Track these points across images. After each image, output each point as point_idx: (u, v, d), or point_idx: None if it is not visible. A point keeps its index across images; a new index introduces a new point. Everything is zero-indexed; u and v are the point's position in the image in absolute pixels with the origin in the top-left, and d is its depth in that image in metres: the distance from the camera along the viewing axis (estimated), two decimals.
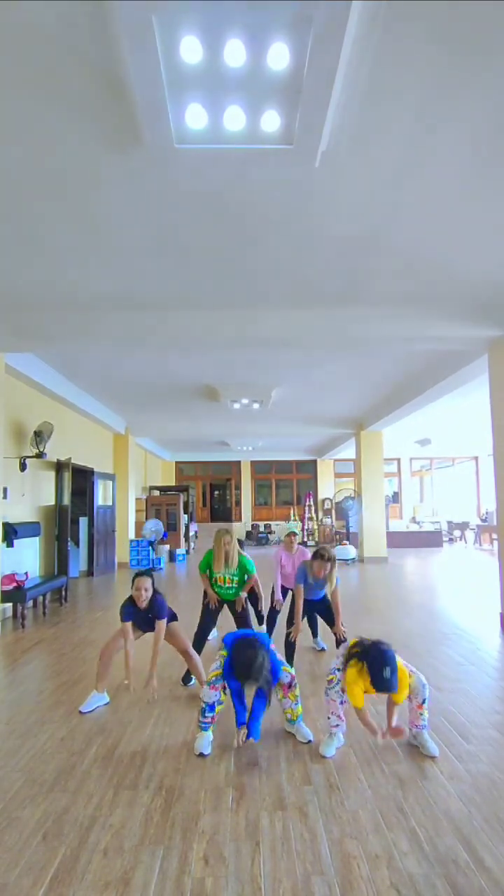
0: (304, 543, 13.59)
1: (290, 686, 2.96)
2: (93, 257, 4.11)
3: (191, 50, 2.19)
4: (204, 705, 2.87)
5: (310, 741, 2.93)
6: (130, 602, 3.42)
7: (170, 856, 2.02)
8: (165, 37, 2.13)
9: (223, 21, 2.08)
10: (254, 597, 5.14)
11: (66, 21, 2.14)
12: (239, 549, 4.17)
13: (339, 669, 2.87)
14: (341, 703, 2.86)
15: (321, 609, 4.23)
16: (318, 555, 3.99)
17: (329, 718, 2.89)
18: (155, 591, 3.42)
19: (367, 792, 2.45)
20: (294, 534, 4.86)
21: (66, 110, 2.60)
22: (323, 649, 4.84)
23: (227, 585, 4.09)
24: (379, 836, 2.13)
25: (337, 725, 2.87)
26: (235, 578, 4.09)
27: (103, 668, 3.48)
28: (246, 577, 4.11)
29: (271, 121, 2.56)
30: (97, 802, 2.38)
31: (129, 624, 3.40)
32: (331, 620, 4.12)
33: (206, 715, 2.86)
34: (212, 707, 2.85)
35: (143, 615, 3.42)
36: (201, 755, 2.78)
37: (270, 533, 17.70)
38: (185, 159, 2.90)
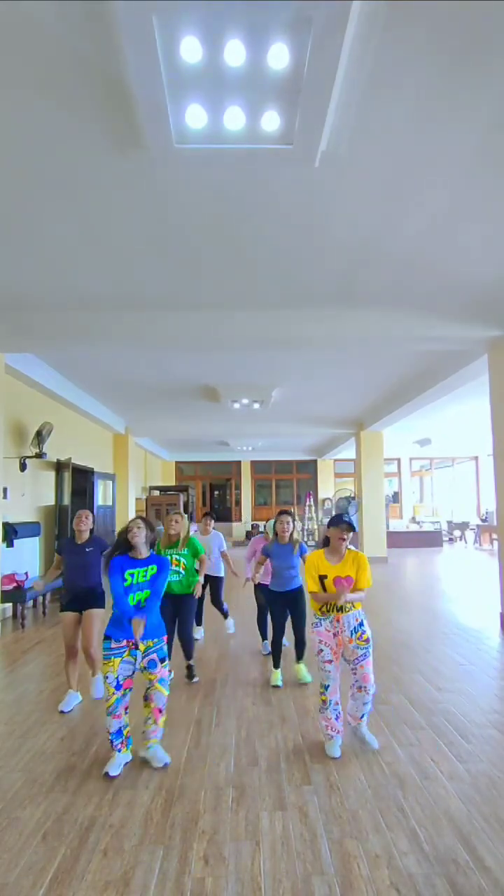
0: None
1: (160, 711, 2.74)
2: (93, 257, 4.11)
3: (191, 50, 2.19)
4: (110, 734, 2.67)
5: (166, 764, 2.70)
6: (69, 537, 3.71)
7: (170, 856, 2.02)
8: (165, 37, 2.13)
9: (223, 21, 2.08)
10: (216, 588, 5.22)
11: (66, 21, 2.14)
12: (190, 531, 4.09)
13: (325, 686, 2.84)
14: (337, 717, 2.86)
15: (291, 602, 3.99)
16: (281, 512, 4.06)
17: (329, 735, 2.86)
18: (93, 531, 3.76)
19: (367, 792, 2.45)
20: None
21: (66, 110, 2.60)
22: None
23: (174, 567, 3.90)
24: (379, 835, 2.13)
25: (333, 737, 2.86)
26: (182, 561, 3.92)
27: (72, 668, 3.60)
28: (196, 562, 4.00)
29: (271, 121, 2.56)
30: (97, 802, 2.38)
31: (67, 615, 3.55)
32: (297, 622, 4.02)
33: (115, 742, 2.68)
34: (118, 733, 2.67)
35: (80, 549, 3.62)
36: (107, 775, 2.59)
37: None
38: (186, 159, 2.90)
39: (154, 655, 2.76)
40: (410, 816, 2.25)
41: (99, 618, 3.56)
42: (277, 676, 3.94)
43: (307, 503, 17.76)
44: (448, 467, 18.67)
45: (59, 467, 8.44)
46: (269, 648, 4.78)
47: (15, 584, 6.04)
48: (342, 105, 2.55)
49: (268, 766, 2.71)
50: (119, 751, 2.68)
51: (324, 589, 2.84)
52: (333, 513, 17.10)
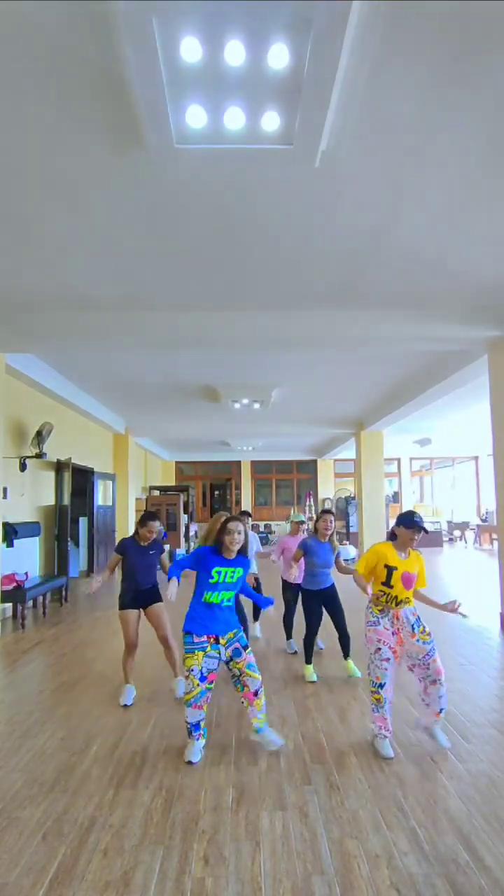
0: None
1: (255, 694, 2.81)
2: (93, 257, 4.11)
3: (191, 50, 2.19)
4: (189, 725, 2.78)
5: (281, 746, 2.83)
6: (131, 538, 3.70)
7: (170, 856, 2.02)
8: (165, 37, 2.13)
9: (223, 21, 2.08)
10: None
11: (66, 21, 2.14)
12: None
13: (379, 684, 2.82)
14: (389, 716, 2.85)
15: (328, 599, 4.09)
16: (323, 511, 4.12)
17: (379, 733, 2.84)
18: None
19: (367, 792, 2.45)
20: (302, 522, 5.00)
21: (67, 110, 2.60)
22: (321, 648, 4.81)
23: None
24: (379, 835, 2.13)
25: (387, 736, 2.85)
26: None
27: (130, 664, 3.67)
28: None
29: (271, 121, 2.56)
30: (97, 802, 2.38)
31: (130, 612, 3.60)
32: (337, 617, 4.08)
33: (194, 732, 2.79)
34: (197, 726, 2.78)
35: (144, 551, 3.66)
36: (189, 763, 2.71)
37: (271, 533, 17.69)
38: (186, 159, 2.90)
39: (237, 644, 2.86)
40: (410, 816, 2.25)
41: (164, 609, 3.70)
42: (311, 671, 4.00)
43: (307, 503, 17.76)
44: (448, 467, 18.67)
45: (59, 467, 8.44)
46: (295, 647, 4.77)
47: (15, 584, 6.04)
48: (342, 105, 2.55)
49: (268, 766, 2.71)
50: (197, 739, 2.79)
51: (388, 580, 2.85)
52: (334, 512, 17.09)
